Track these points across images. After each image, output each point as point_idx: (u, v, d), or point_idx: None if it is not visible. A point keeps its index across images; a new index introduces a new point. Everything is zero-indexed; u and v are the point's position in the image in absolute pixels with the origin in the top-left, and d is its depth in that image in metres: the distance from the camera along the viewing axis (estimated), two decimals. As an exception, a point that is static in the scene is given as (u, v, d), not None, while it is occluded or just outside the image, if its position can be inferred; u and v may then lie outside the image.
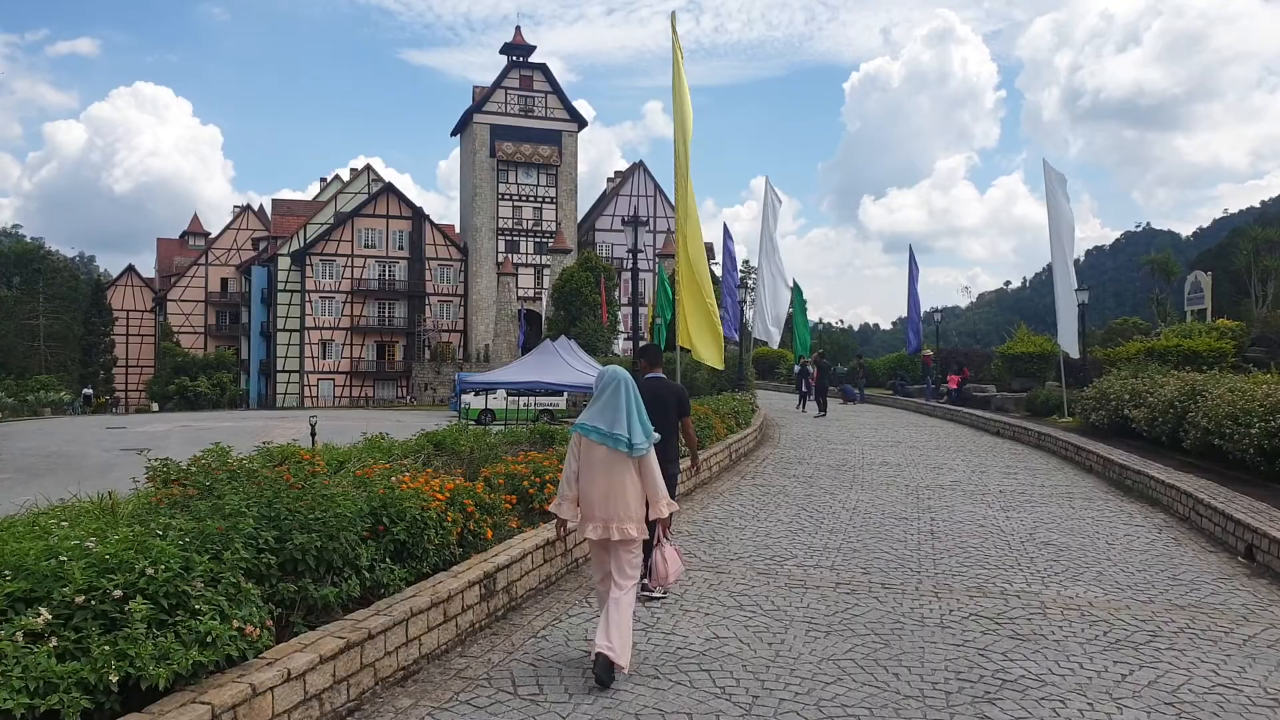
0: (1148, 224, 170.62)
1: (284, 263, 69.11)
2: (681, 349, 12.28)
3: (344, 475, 6.50)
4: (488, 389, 21.47)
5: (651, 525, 5.01)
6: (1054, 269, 20.86)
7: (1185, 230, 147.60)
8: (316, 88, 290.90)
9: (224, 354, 74.36)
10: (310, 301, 68.16)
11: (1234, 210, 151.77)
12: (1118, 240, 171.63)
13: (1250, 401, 11.36)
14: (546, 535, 6.60)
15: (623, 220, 12.47)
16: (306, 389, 67.87)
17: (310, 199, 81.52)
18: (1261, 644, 5.50)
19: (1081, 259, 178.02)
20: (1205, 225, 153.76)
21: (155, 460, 6.26)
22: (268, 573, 4.23)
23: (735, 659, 5.12)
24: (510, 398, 29.53)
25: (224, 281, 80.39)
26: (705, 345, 11.55)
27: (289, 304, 68.81)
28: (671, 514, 5.13)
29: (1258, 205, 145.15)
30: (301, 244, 68.87)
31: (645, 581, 5.61)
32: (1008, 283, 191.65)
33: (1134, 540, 8.66)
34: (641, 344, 9.01)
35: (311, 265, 68.21)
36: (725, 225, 24.95)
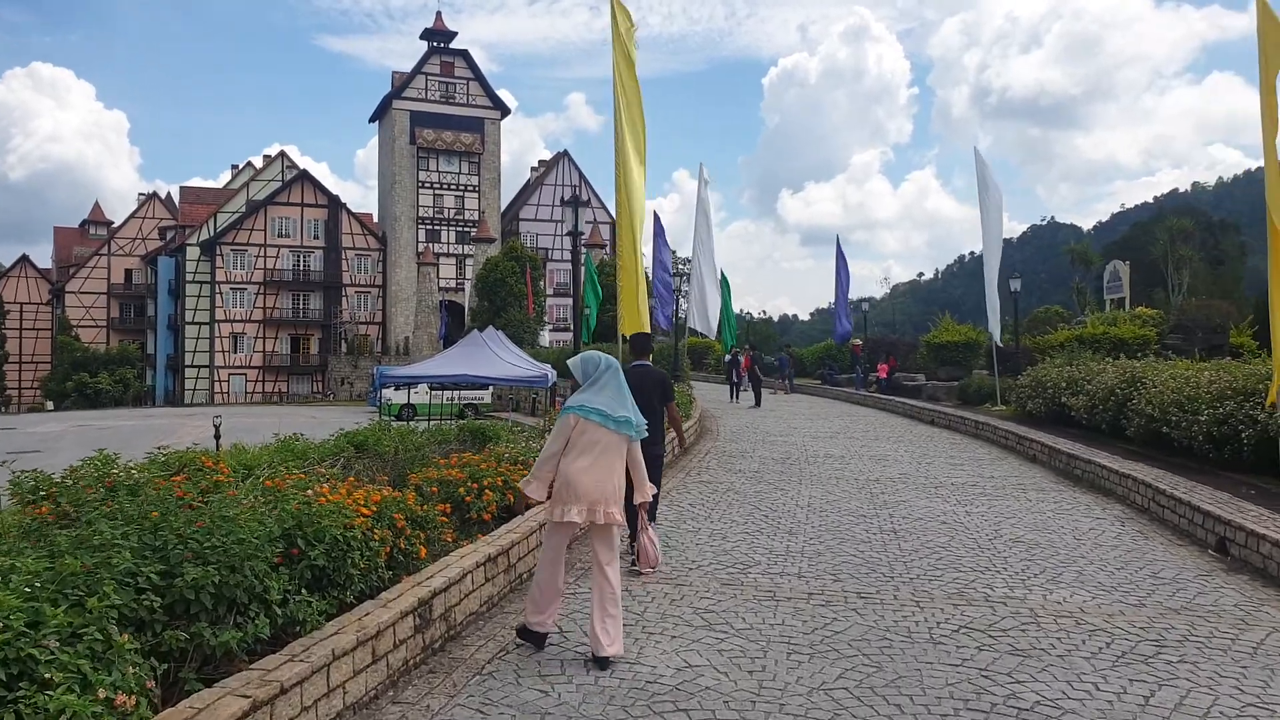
0: (1052, 218, 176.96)
1: (193, 253, 66.07)
2: (623, 338, 11.59)
3: (251, 486, 5.63)
4: (410, 383, 20.40)
5: (633, 513, 5.09)
6: (985, 259, 20.84)
7: (1086, 224, 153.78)
8: (229, 73, 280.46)
9: (127, 348, 70.64)
10: (221, 293, 65.29)
11: (1130, 205, 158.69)
12: (1025, 233, 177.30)
13: (1196, 389, 11.23)
14: (488, 550, 5.83)
15: (561, 201, 11.61)
16: (217, 385, 65.03)
17: (221, 187, 78.09)
18: (1273, 652, 5.10)
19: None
20: (1104, 219, 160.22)
21: (20, 474, 5.27)
22: (151, 618, 3.40)
23: (715, 693, 4.46)
24: (433, 392, 28.48)
25: (128, 273, 76.38)
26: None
27: (198, 296, 65.83)
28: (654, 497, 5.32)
29: (1151, 200, 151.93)
30: (211, 233, 65.90)
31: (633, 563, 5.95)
32: (920, 274, 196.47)
33: (1100, 535, 8.33)
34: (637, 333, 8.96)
35: (222, 255, 65.32)
36: (655, 214, 24.41)
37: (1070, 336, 21.58)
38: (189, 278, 65.97)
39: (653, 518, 8.17)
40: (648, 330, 11.03)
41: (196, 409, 56.63)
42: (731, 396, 26.89)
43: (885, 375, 28.01)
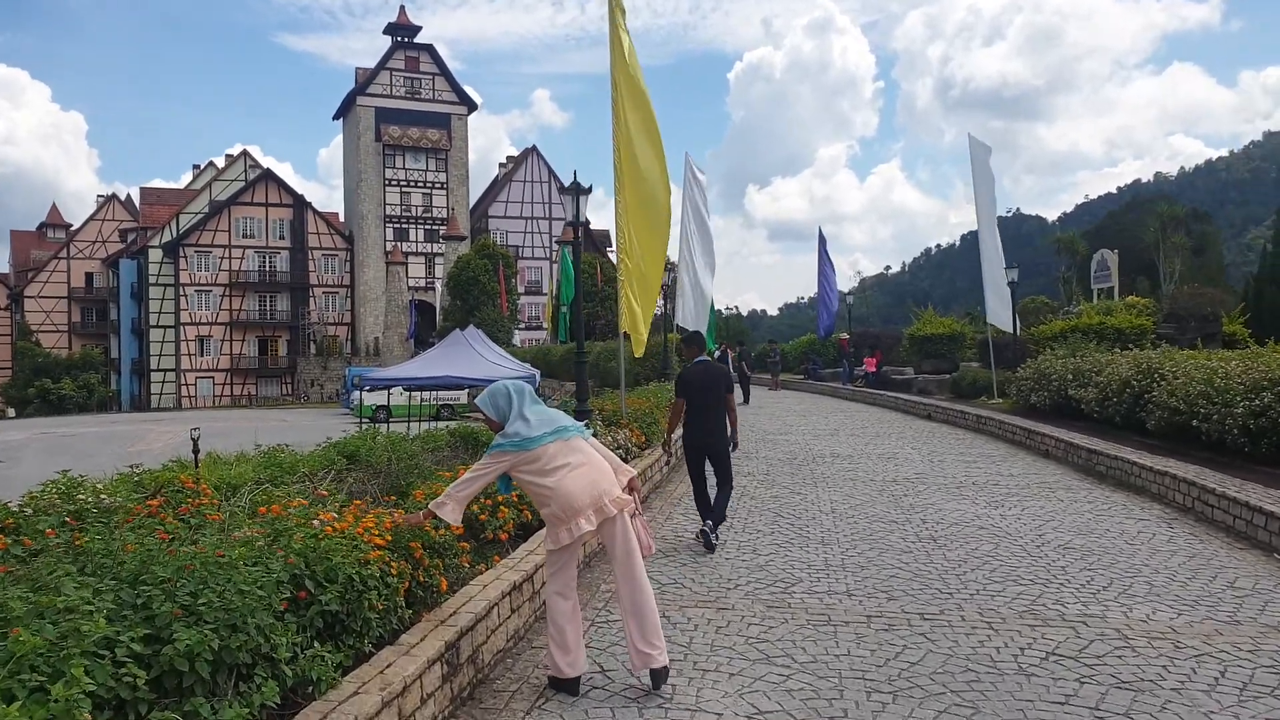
0: (1018, 209, 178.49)
1: (155, 255, 64.36)
2: (625, 336, 10.91)
3: (242, 512, 4.90)
4: (389, 386, 19.56)
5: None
6: (981, 247, 20.39)
7: (1051, 215, 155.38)
8: (189, 73, 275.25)
9: (91, 353, 68.69)
10: (185, 295, 63.65)
11: (1094, 196, 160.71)
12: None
13: (1227, 380, 10.78)
14: (512, 578, 5.15)
15: (561, 188, 10.80)
16: (184, 389, 63.44)
17: (183, 188, 76.16)
18: (1405, 677, 4.56)
19: (957, 244, 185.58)
20: (1069, 210, 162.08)
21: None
22: (134, 697, 2.68)
23: (801, 749, 3.82)
24: (409, 393, 27.54)
25: (89, 276, 74.34)
26: (640, 330, 10.28)
27: (162, 299, 64.16)
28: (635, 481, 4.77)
29: (1114, 191, 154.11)
30: (174, 235, 64.24)
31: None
32: (888, 267, 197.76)
33: (1152, 539, 7.80)
34: (688, 332, 9.21)
35: (186, 257, 63.68)
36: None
37: (1066, 327, 21.21)
38: (152, 280, 64.26)
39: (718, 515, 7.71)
40: (642, 331, 10.39)
41: (164, 414, 55.11)
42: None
43: (873, 369, 27.57)
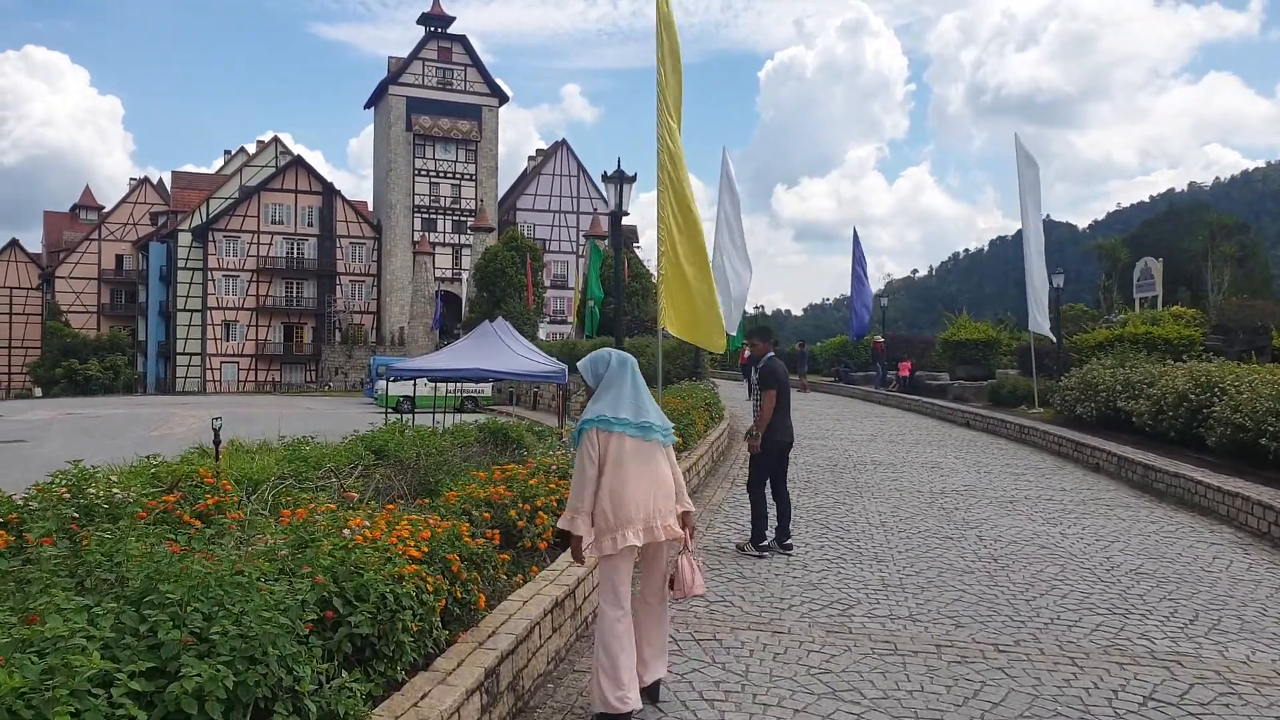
0: (1048, 215, 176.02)
1: (185, 239, 64.64)
2: (663, 333, 10.46)
3: (262, 513, 4.51)
4: (417, 377, 19.22)
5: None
6: (1026, 253, 19.73)
7: (1081, 223, 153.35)
8: (223, 61, 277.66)
9: (118, 335, 69.13)
10: (213, 280, 63.91)
11: (1126, 205, 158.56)
12: (1020, 231, 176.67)
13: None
14: (554, 593, 4.73)
15: (604, 176, 10.32)
16: (209, 373, 63.73)
17: (214, 173, 76.45)
18: None
19: (986, 249, 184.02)
20: (1100, 218, 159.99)
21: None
22: (131, 743, 2.27)
23: (887, 808, 3.36)
24: (433, 385, 27.17)
25: (119, 258, 74.75)
26: (700, 326, 9.81)
27: (190, 282, 64.42)
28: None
29: (1147, 200, 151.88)
30: (204, 219, 64.49)
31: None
32: (915, 271, 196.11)
33: (1229, 566, 7.26)
34: (757, 325, 8.93)
35: (214, 242, 63.91)
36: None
37: (1110, 336, 20.52)
38: (181, 264, 64.53)
39: (782, 530, 7.39)
40: (701, 329, 9.93)
41: (188, 397, 55.32)
42: (750, 394, 25.78)
43: (907, 374, 26.96)
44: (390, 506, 4.46)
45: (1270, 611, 5.98)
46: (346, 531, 3.59)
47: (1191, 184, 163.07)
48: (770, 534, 7.45)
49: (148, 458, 6.25)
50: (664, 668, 4.32)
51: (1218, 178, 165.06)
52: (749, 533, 7.53)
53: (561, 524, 4.18)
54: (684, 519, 4.23)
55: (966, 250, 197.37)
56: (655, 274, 10.51)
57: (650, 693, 4.23)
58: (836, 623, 5.55)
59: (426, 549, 3.87)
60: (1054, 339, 19.97)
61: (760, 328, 8.57)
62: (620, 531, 4.00)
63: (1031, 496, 10.39)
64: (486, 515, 5.16)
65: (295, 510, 3.96)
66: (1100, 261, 48.28)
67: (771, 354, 7.89)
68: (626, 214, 10.22)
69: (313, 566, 3.17)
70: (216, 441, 5.94)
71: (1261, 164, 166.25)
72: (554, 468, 6.65)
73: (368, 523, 3.90)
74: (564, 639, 4.83)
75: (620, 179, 10.01)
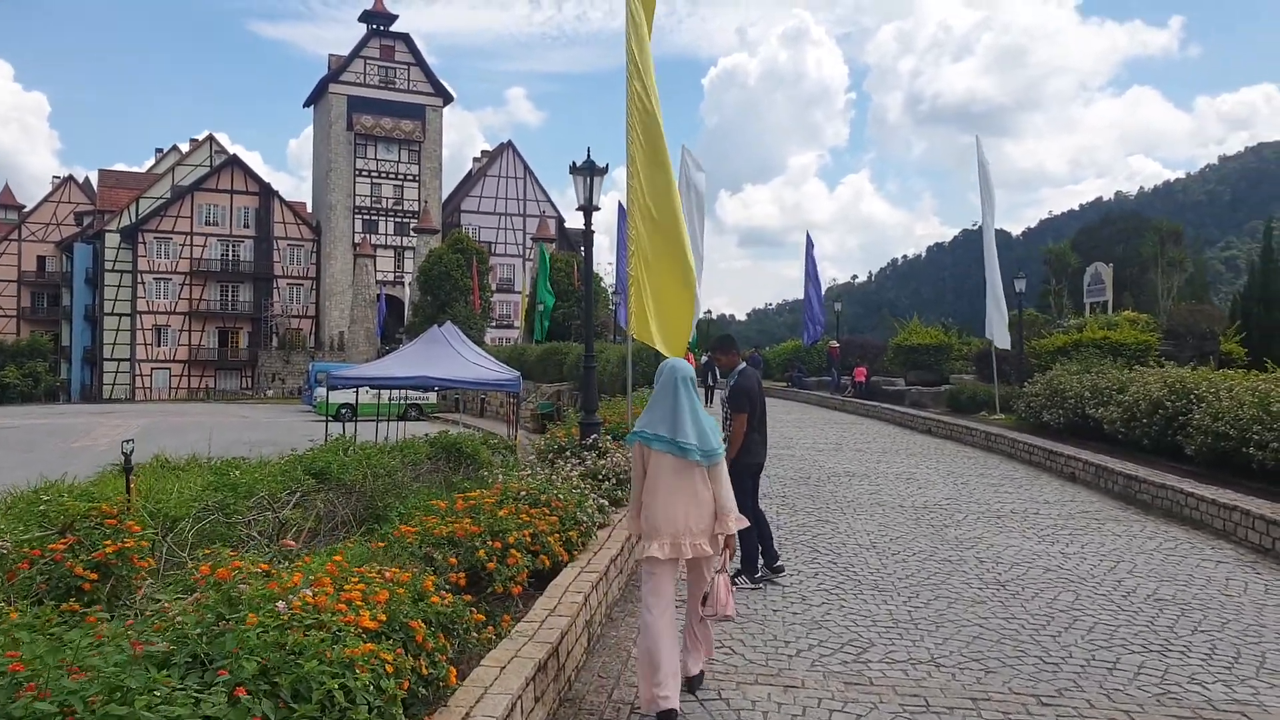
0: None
1: (112, 240, 61.96)
2: (630, 339, 9.72)
3: (180, 560, 3.68)
4: (361, 385, 18.18)
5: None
6: (985, 257, 19.45)
7: (1015, 229, 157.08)
8: (158, 58, 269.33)
9: (39, 340, 65.91)
10: (143, 283, 61.34)
11: (1057, 212, 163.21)
12: (956, 237, 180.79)
13: (1288, 403, 9.86)
14: (535, 655, 3.95)
15: (572, 167, 9.50)
16: (138, 379, 61.15)
17: (144, 172, 73.53)
18: None
19: (924, 255, 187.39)
20: (1033, 225, 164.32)
21: None
22: None
23: None
24: (374, 391, 25.96)
25: (41, 260, 71.40)
26: (669, 332, 9.08)
27: (118, 285, 61.73)
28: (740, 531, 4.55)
29: (1077, 208, 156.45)
30: (133, 219, 61.90)
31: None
32: (855, 276, 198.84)
33: (1246, 589, 6.79)
34: (720, 335, 7.90)
35: (145, 243, 61.37)
36: (621, 204, 22.51)
37: (1068, 341, 20.36)
38: (108, 266, 61.83)
39: (766, 553, 6.79)
40: (669, 335, 9.20)
41: (116, 405, 52.91)
42: (707, 400, 25.19)
43: (863, 379, 26.64)
44: (337, 558, 3.63)
45: (1311, 644, 5.48)
46: (281, 604, 2.77)
47: (1118, 193, 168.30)
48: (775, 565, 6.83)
49: (48, 484, 5.31)
50: (699, 664, 4.51)
51: (1142, 187, 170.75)
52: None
53: (621, 520, 4.61)
54: (726, 541, 4.32)
55: (905, 256, 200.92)
56: (619, 277, 9.78)
57: (691, 682, 4.43)
58: (853, 671, 4.87)
59: (384, 616, 3.08)
60: (1010, 344, 19.67)
61: (723, 337, 7.56)
62: (647, 541, 4.25)
63: (1018, 511, 9.90)
64: (453, 560, 4.37)
65: (218, 570, 3.11)
66: (1050, 266, 48.85)
67: (743, 365, 7.07)
68: (598, 208, 9.45)
69: (231, 664, 2.36)
70: (127, 470, 5.04)
71: (1181, 175, 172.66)
72: (523, 494, 5.86)
73: (307, 585, 3.08)
74: (546, 709, 4.06)
75: (590, 170, 9.24)
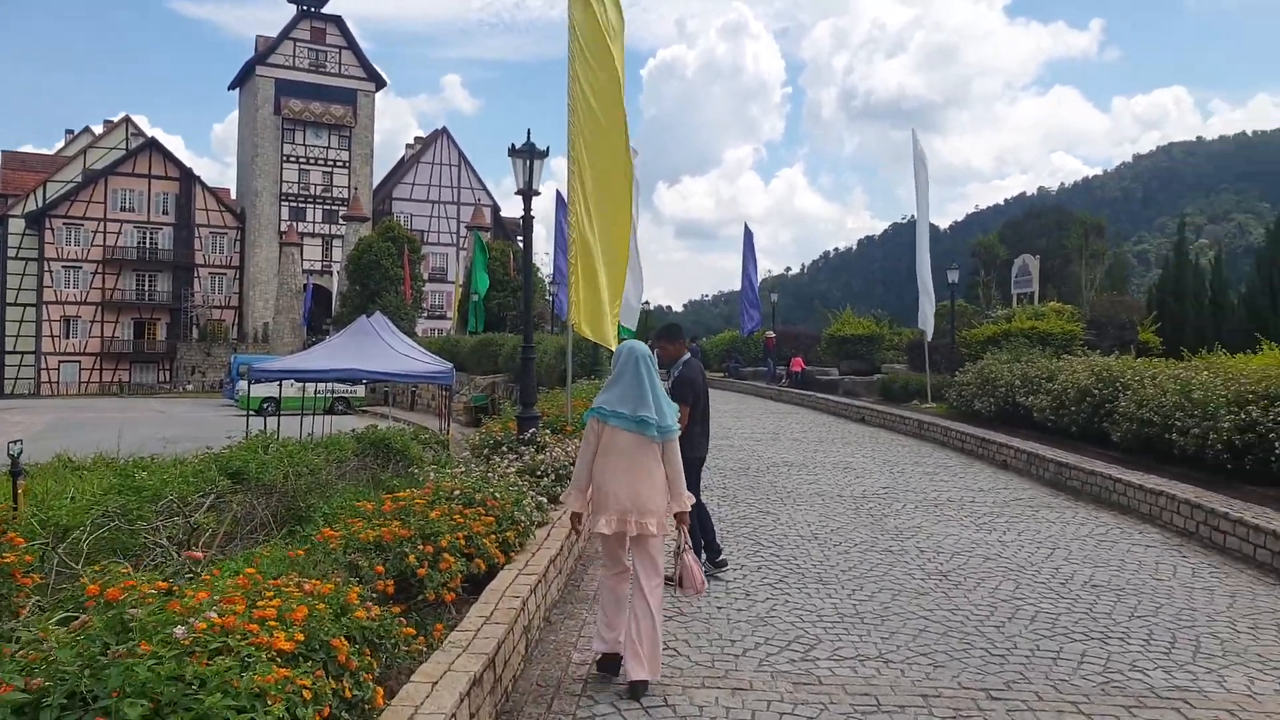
0: (911, 216, 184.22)
1: (16, 225, 59.00)
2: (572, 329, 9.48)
3: (70, 572, 3.34)
4: (285, 378, 17.54)
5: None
6: (918, 250, 19.67)
7: (943, 223, 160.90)
8: (70, 35, 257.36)
9: (-64, 332, 62.49)
10: (51, 271, 58.60)
11: (983, 207, 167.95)
12: (886, 231, 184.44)
13: (1208, 393, 10.09)
14: (470, 668, 3.70)
15: (511, 150, 9.15)
16: (44, 373, 58.45)
17: (53, 154, 70.21)
18: None
19: (855, 248, 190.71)
20: (959, 219, 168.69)
21: None
22: None
23: None
24: (299, 384, 25.13)
25: (-63, 247, 67.70)
26: (602, 322, 8.89)
27: (22, 274, 58.87)
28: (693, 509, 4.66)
29: (1001, 203, 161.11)
30: (40, 204, 59.00)
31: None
32: (788, 269, 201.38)
33: (1175, 573, 6.89)
34: (665, 323, 7.73)
35: (53, 229, 58.62)
36: (559, 193, 22.17)
37: (998, 331, 20.76)
38: (11, 253, 58.85)
39: (709, 547, 6.65)
40: (597, 328, 9.01)
41: (18, 401, 50.56)
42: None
43: (799, 370, 26.81)
44: (250, 570, 3.32)
45: (1239, 628, 5.55)
46: (180, 629, 2.47)
47: (1040, 188, 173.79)
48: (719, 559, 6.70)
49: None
50: (649, 670, 4.30)
51: (1062, 183, 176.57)
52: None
53: (563, 497, 4.78)
54: (678, 518, 4.43)
55: (836, 249, 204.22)
56: (556, 267, 9.52)
57: (631, 689, 4.27)
58: (801, 670, 4.74)
59: (302, 635, 2.80)
60: (939, 334, 19.97)
61: (668, 325, 7.29)
62: (595, 515, 4.39)
63: (954, 499, 9.95)
64: (380, 568, 4.09)
65: (108, 590, 2.78)
66: (979, 257, 49.99)
67: (688, 355, 6.84)
68: (538, 193, 9.12)
69: (112, 706, 2.06)
70: (14, 473, 4.60)
71: (1099, 171, 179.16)
72: (457, 493, 5.58)
73: (214, 602, 2.79)
74: (483, 722, 3.82)
75: (530, 153, 8.91)
